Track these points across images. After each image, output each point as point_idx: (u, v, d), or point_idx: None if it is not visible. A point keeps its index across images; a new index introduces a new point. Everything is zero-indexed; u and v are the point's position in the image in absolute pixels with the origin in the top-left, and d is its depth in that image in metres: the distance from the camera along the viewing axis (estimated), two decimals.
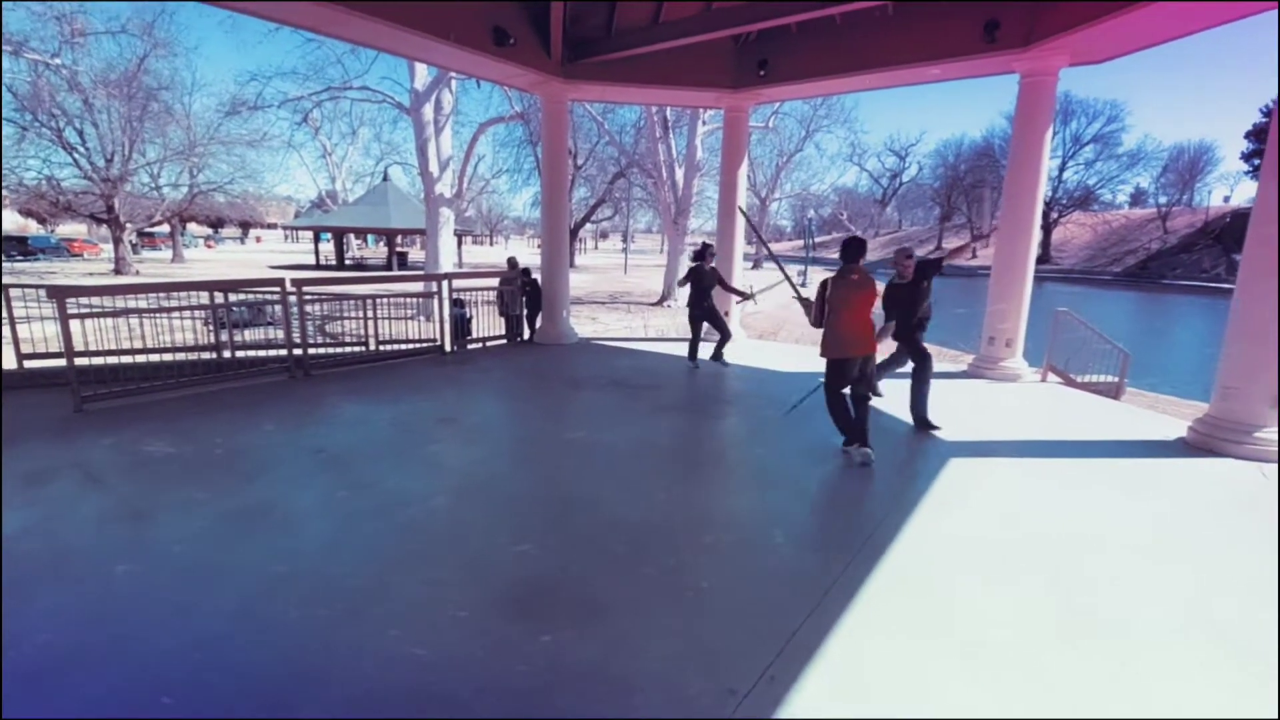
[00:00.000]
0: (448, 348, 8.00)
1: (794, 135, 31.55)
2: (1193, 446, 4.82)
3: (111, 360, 5.97)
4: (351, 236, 40.29)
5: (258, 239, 64.71)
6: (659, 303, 19.85)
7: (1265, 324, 4.54)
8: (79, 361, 5.25)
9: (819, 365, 4.68)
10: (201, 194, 29.46)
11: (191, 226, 50.46)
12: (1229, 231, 44.89)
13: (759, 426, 5.32)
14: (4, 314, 5.96)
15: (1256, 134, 45.70)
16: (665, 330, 12.22)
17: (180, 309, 6.75)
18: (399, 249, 34.26)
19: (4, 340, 6.10)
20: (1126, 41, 5.96)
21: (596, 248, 66.68)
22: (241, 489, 3.67)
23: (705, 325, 7.31)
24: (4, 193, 25.87)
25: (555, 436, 4.94)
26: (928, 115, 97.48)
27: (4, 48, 16.31)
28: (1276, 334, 4.48)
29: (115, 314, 5.93)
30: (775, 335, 12.26)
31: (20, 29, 19.58)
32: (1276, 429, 4.57)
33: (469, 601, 2.57)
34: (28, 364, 6.13)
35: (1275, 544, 3.23)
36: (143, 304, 6.88)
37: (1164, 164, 55.45)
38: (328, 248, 35.17)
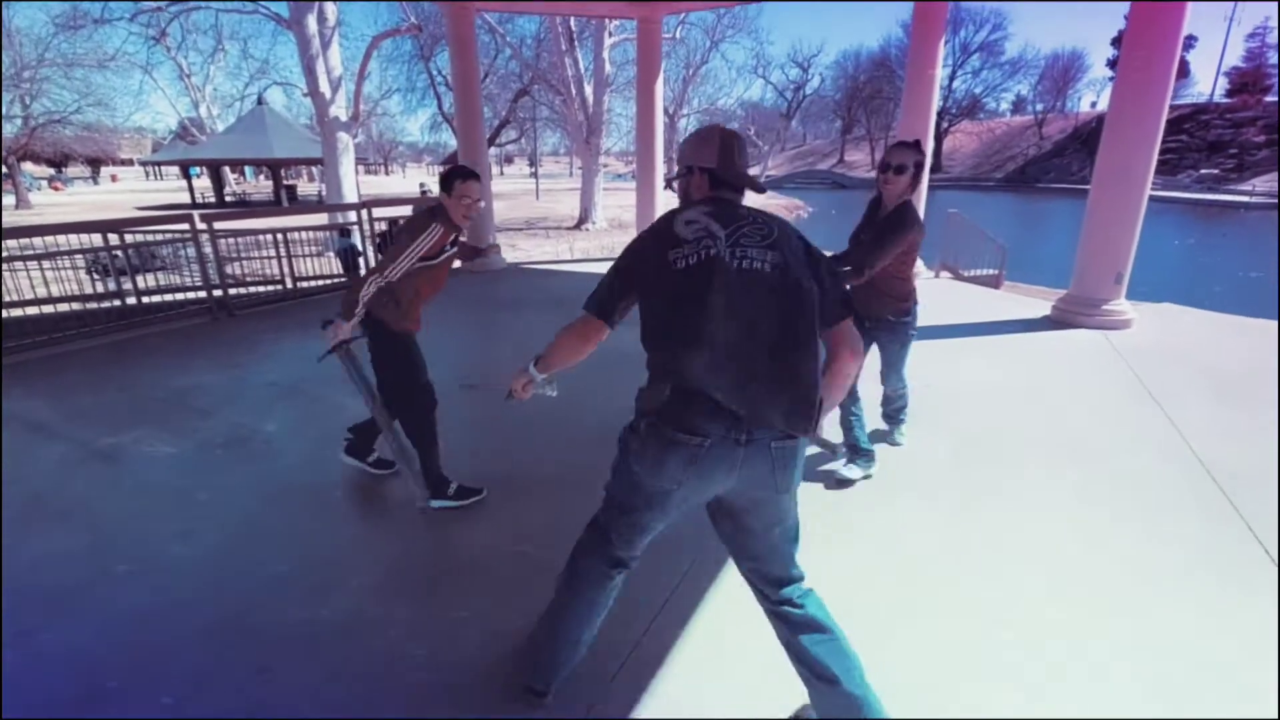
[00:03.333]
0: None
1: (699, 47, 30.98)
2: (1055, 321, 5.71)
3: (12, 313, 5.56)
4: (228, 170, 36.57)
5: (113, 178, 57.10)
6: (577, 226, 19.71)
7: (1113, 214, 5.37)
8: None
9: None
10: (41, 127, 25.65)
11: (28, 166, 43.78)
12: (1095, 136, 48.76)
13: None
14: None
15: (1119, 41, 49.03)
16: (590, 252, 12.34)
17: (77, 252, 6.26)
18: (286, 182, 31.53)
19: None
20: None
21: (502, 173, 63.81)
22: (206, 423, 3.73)
23: None
24: None
25: (511, 351, 5.17)
26: (827, 26, 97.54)
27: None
28: (1121, 222, 5.32)
29: (9, 260, 5.46)
30: None
31: None
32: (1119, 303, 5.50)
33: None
34: None
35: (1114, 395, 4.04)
36: (29, 251, 6.35)
37: (1041, 72, 58.81)
38: (202, 184, 31.84)
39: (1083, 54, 59.42)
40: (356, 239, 8.13)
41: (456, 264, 2.95)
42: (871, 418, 3.22)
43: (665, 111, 35.03)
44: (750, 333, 1.35)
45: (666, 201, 8.63)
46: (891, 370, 3.10)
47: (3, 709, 1.77)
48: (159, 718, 1.76)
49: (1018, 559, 2.42)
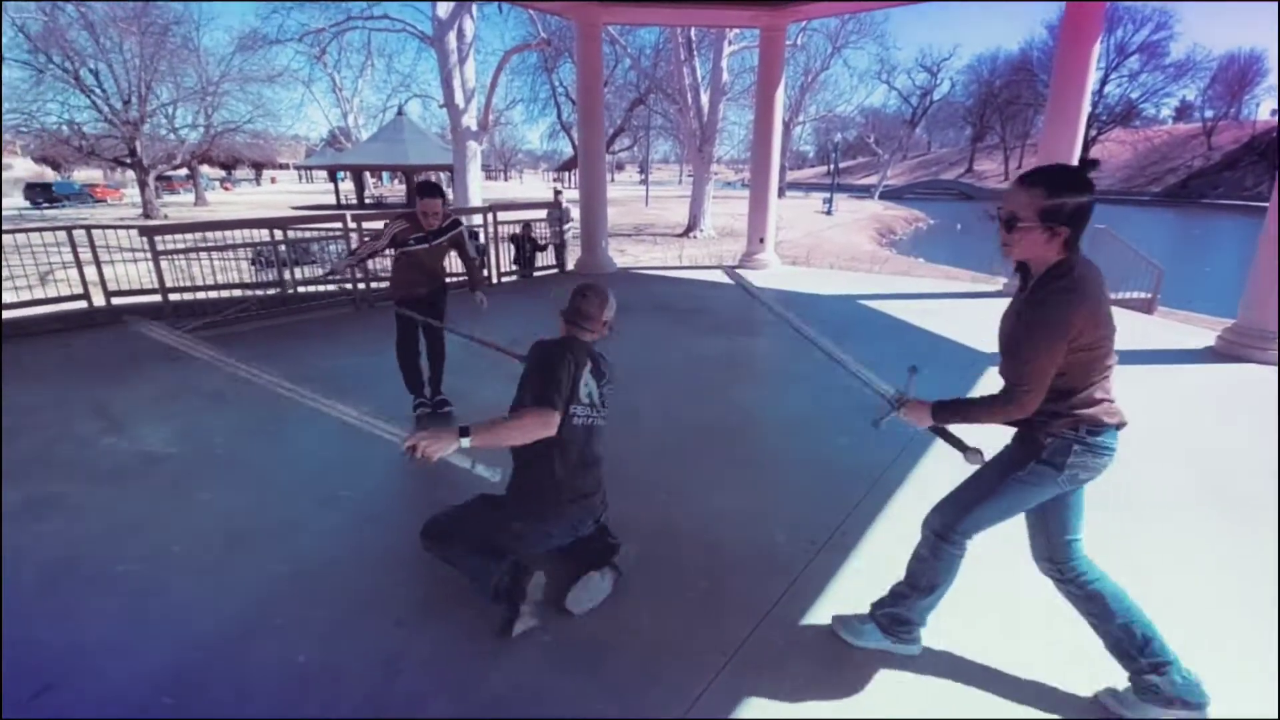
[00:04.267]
0: (494, 279, 8.34)
1: (821, 52, 30.26)
2: (1220, 354, 5.06)
3: (190, 297, 6.43)
4: (368, 174, 40.14)
5: (272, 179, 64.44)
6: (685, 233, 19.83)
7: None
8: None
9: (854, 288, 4.91)
10: (220, 135, 29.32)
11: (206, 169, 50.52)
12: (1275, 147, 42.70)
13: (802, 343, 5.63)
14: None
15: None
16: (698, 259, 12.39)
17: (245, 245, 7.12)
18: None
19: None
20: None
21: (613, 180, 65.42)
22: (353, 401, 4.11)
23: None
24: (18, 139, 26.02)
25: (615, 354, 5.31)
26: (963, 29, 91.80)
27: None
28: None
29: (197, 250, 6.32)
30: (806, 261, 12.38)
31: None
32: None
33: None
34: (114, 300, 6.59)
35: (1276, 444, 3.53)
36: (212, 241, 7.27)
37: (1212, 75, 52.28)
38: (346, 186, 35.10)
39: (1262, 55, 52.14)
40: (481, 239, 8.69)
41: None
42: None
43: (781, 120, 34.62)
44: None
45: (779, 211, 8.49)
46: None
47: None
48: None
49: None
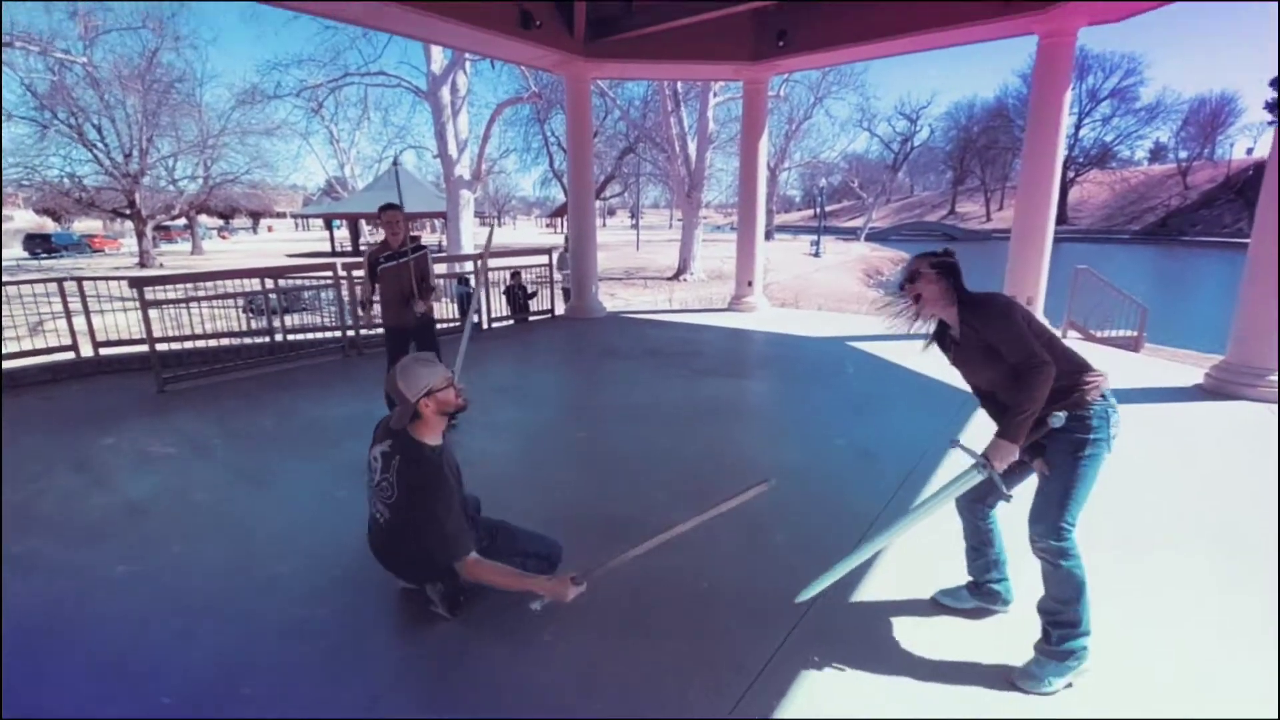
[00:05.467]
0: (484, 325, 8.36)
1: (803, 103, 31.29)
2: (1208, 391, 5.08)
3: (179, 346, 6.40)
4: (363, 222, 40.72)
5: (269, 228, 65.16)
6: (676, 276, 20.07)
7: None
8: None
9: (845, 329, 4.94)
10: (218, 186, 29.80)
11: (203, 218, 51.36)
12: (1251, 185, 44.02)
13: (795, 386, 5.64)
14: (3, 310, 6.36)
15: None
16: (688, 302, 12.50)
17: (235, 295, 7.13)
18: (413, 233, 34.49)
19: None
20: None
21: (604, 225, 66.56)
22: (333, 453, 4.07)
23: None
24: (20, 191, 26.44)
25: (608, 402, 5.30)
26: (938, 77, 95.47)
27: (29, 47, 16.55)
28: None
29: (185, 301, 6.32)
30: (795, 303, 12.51)
31: (40, 26, 19.85)
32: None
33: (577, 525, 2.93)
34: (102, 351, 6.55)
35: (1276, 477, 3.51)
36: (203, 291, 7.27)
37: (1184, 117, 54.26)
38: (341, 234, 35.52)
39: (1233, 97, 54.25)
40: (472, 284, 8.76)
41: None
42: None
43: (767, 166, 35.54)
44: None
45: (768, 254, 8.62)
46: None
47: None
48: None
49: (1142, 659, 2.12)
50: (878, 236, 49.61)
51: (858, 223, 49.77)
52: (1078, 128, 52.86)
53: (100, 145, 25.29)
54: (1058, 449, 1.98)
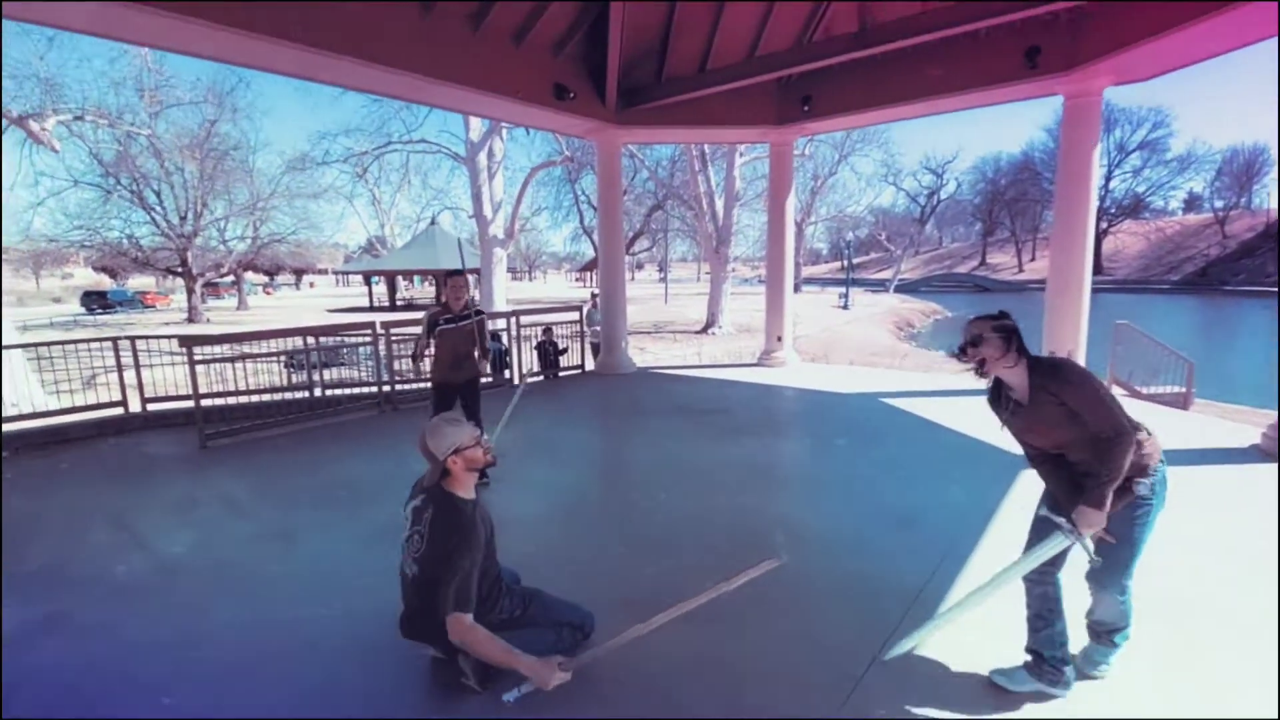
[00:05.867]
0: (516, 380, 8.46)
1: (828, 160, 31.86)
2: (1267, 453, 4.83)
3: (222, 402, 6.60)
4: (400, 278, 42.24)
5: (311, 284, 67.87)
6: (704, 330, 20.15)
7: None
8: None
9: (878, 384, 4.87)
10: (266, 245, 31.30)
11: (249, 275, 53.92)
12: None
13: (828, 445, 5.53)
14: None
15: None
16: (717, 357, 12.50)
17: (278, 354, 7.38)
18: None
19: None
20: (1171, 59, 6.09)
21: (633, 278, 67.64)
22: (367, 511, 4.09)
23: None
24: (84, 251, 28.28)
25: (637, 460, 5.26)
26: (963, 133, 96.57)
27: (100, 121, 17.92)
28: None
29: (231, 360, 6.55)
30: (825, 357, 12.41)
31: (110, 102, 21.48)
32: None
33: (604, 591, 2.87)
34: (150, 406, 6.79)
35: None
36: (246, 349, 7.54)
37: (1218, 167, 53.69)
38: (379, 290, 36.76)
39: (1265, 148, 53.58)
40: (504, 342, 8.91)
41: None
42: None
43: (794, 222, 36.04)
44: None
45: (796, 307, 8.66)
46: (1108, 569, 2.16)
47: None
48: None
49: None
50: (907, 288, 49.39)
51: (886, 274, 49.71)
52: (1108, 179, 52.59)
53: (158, 208, 26.99)
54: (1117, 514, 2.04)
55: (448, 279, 4.51)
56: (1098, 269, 48.78)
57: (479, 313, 4.59)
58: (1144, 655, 2.41)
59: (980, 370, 2.12)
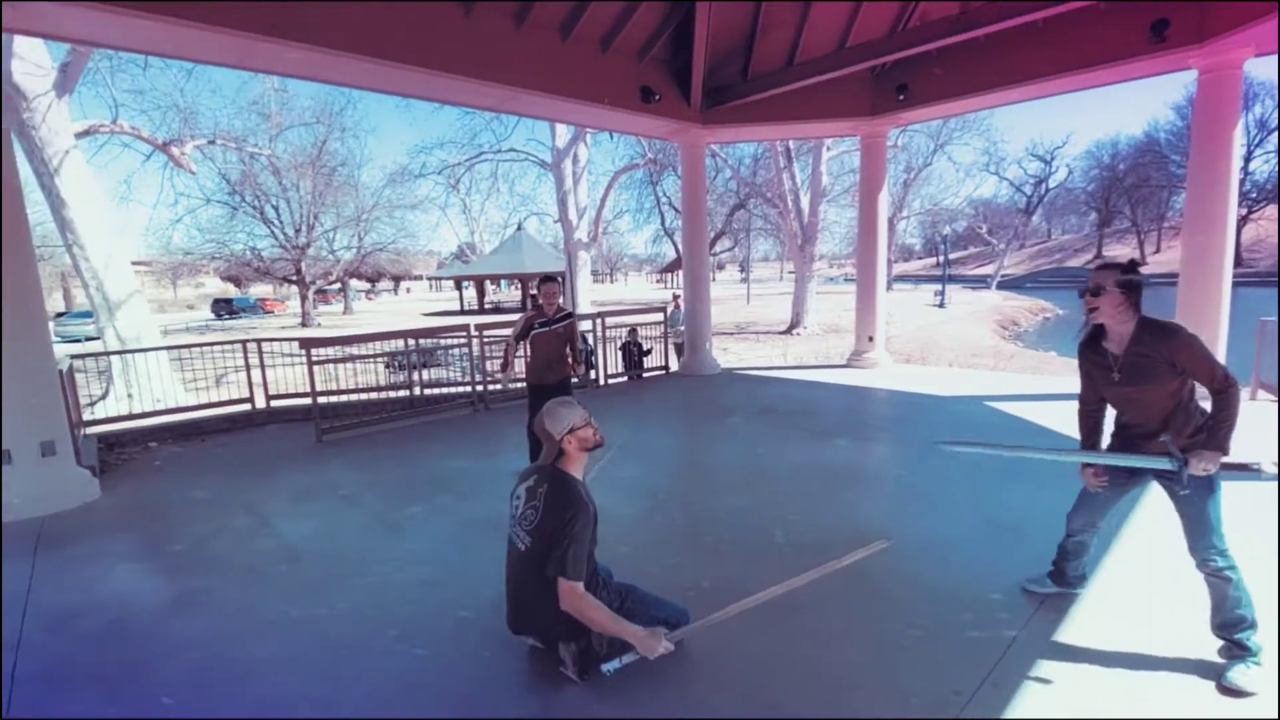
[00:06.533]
0: (602, 381, 8.61)
1: (922, 150, 30.38)
2: None
3: (335, 399, 7.13)
4: (488, 282, 44.11)
5: (408, 290, 72.02)
6: (788, 330, 19.72)
7: None
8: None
9: (981, 388, 4.60)
10: (369, 254, 33.59)
11: (354, 282, 58.06)
12: None
13: (924, 450, 5.25)
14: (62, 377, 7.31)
15: None
16: (803, 357, 12.20)
17: (381, 355, 7.89)
18: (532, 292, 36.86)
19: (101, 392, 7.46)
20: None
21: (714, 279, 67.06)
22: (466, 504, 4.29)
23: None
24: (213, 263, 31.54)
25: (723, 462, 5.22)
26: (1074, 116, 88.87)
27: (228, 144, 19.82)
28: None
29: (343, 360, 7.06)
30: (921, 358, 11.82)
31: (236, 126, 23.71)
32: None
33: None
34: (273, 403, 7.44)
35: None
36: (354, 351, 8.10)
37: None
38: (469, 294, 38.52)
39: None
40: (590, 342, 9.11)
41: None
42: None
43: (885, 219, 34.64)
44: None
45: (890, 304, 8.31)
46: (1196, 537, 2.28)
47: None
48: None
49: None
50: (1011, 284, 46.13)
51: (987, 270, 46.76)
52: (1247, 160, 46.87)
53: (276, 222, 29.60)
54: (1198, 480, 2.19)
55: (541, 284, 4.66)
56: (1238, 260, 43.71)
57: (569, 315, 4.74)
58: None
59: (1091, 315, 2.28)
